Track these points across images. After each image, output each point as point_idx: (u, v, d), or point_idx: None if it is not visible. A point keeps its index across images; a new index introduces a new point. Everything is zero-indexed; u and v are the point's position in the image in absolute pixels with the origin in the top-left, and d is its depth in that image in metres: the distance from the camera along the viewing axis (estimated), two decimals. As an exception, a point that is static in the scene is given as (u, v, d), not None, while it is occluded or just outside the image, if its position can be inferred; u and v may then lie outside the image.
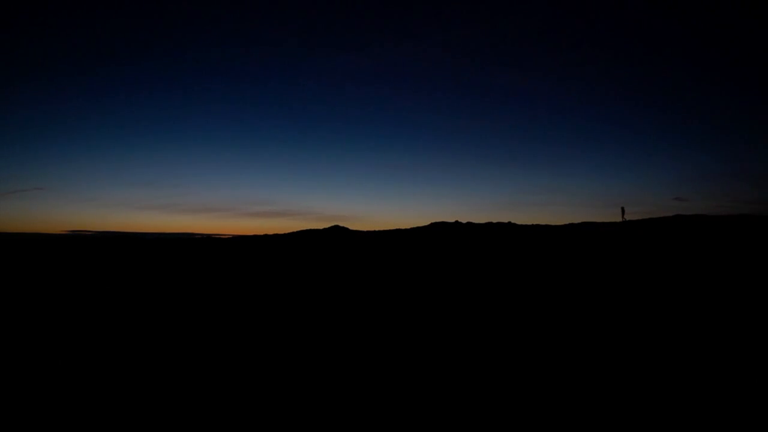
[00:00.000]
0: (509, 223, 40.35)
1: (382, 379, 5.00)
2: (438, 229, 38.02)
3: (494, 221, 41.42)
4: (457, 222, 41.78)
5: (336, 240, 33.23)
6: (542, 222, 40.43)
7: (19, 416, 4.23)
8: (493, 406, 4.33)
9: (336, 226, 43.31)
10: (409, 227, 40.24)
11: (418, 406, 4.34)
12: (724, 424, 3.93)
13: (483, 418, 4.12)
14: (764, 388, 4.57)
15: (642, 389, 4.63)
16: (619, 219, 32.00)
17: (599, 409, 4.21)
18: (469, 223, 41.21)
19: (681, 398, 4.40)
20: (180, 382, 4.97)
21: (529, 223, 40.12)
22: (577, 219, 31.08)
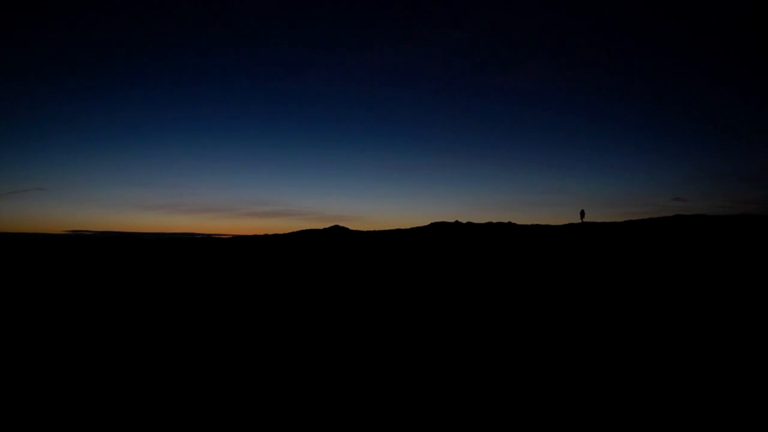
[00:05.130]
0: (509, 223, 40.39)
1: (382, 379, 5.01)
2: (438, 229, 38.07)
3: (494, 221, 41.47)
4: (457, 222, 41.83)
5: (336, 240, 33.26)
6: (542, 222, 40.45)
7: (20, 416, 4.24)
8: (493, 405, 4.34)
9: (336, 226, 43.38)
10: (409, 227, 40.29)
11: (417, 405, 4.36)
12: (724, 424, 3.94)
13: (483, 417, 4.13)
14: (764, 388, 4.58)
15: (642, 388, 4.64)
16: (578, 220, 32.61)
17: (599, 409, 4.22)
18: (469, 223, 41.25)
19: (680, 397, 4.41)
20: (180, 382, 4.99)
21: (529, 223, 40.15)
22: (577, 219, 31.20)
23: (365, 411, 4.25)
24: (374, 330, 7.15)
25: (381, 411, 4.25)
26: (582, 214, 32.03)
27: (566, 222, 36.82)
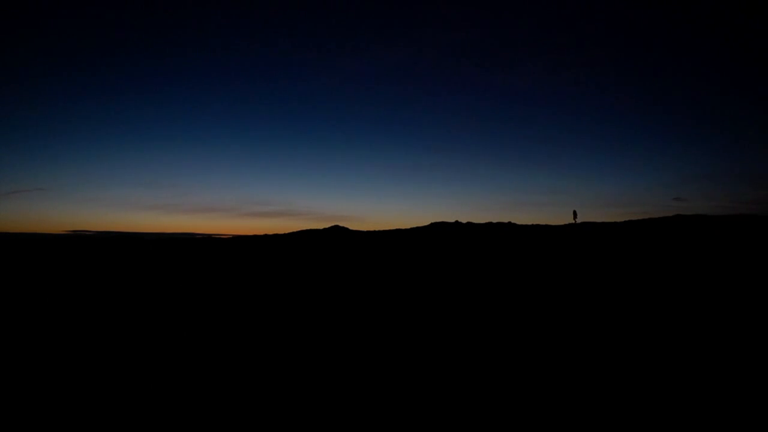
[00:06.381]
0: (509, 223, 40.43)
1: (382, 379, 5.01)
2: (438, 229, 38.08)
3: (494, 221, 41.52)
4: (457, 222, 41.87)
5: (336, 240, 33.24)
6: (542, 222, 40.53)
7: (19, 416, 4.24)
8: (493, 405, 4.34)
9: (336, 226, 43.42)
10: (409, 227, 40.34)
11: (417, 405, 4.35)
12: (724, 424, 3.94)
13: (483, 417, 4.13)
14: (764, 388, 4.58)
15: (641, 388, 4.64)
16: (571, 221, 32.85)
17: (599, 409, 4.22)
18: (469, 223, 41.29)
19: (680, 397, 4.41)
20: (180, 382, 4.99)
21: (529, 223, 40.21)
22: (577, 219, 31.40)
23: (365, 411, 4.25)
24: (374, 330, 7.14)
25: (380, 411, 4.24)
26: (574, 214, 32.29)
27: (566, 222, 36.91)
